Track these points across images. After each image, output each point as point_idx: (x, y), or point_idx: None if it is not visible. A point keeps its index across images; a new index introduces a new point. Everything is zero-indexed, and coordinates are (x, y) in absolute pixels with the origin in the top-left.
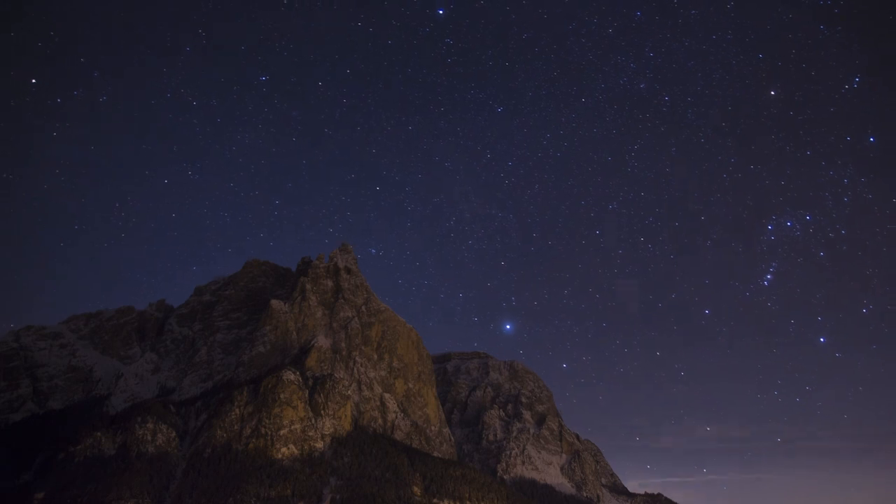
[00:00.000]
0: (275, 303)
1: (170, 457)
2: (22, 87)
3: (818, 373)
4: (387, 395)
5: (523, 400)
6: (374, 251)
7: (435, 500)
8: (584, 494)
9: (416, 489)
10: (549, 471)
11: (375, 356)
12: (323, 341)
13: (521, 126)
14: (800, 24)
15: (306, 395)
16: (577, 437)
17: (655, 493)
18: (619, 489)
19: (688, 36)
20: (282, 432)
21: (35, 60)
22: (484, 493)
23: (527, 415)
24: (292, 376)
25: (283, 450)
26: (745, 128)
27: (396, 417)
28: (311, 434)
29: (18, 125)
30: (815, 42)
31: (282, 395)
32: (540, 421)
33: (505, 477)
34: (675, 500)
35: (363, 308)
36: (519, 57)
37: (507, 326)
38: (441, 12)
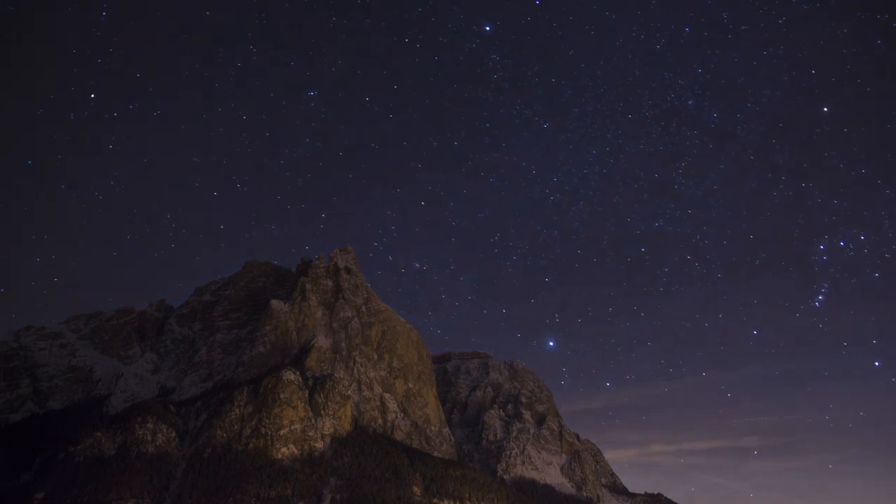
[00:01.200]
0: (275, 303)
1: (170, 457)
2: (81, 102)
3: (872, 398)
4: (387, 395)
5: (523, 400)
6: (417, 265)
7: (435, 500)
8: (584, 494)
9: (416, 489)
10: (549, 471)
11: (375, 356)
12: (323, 341)
13: (567, 142)
14: (855, 38)
15: (306, 395)
16: (577, 436)
17: (655, 493)
18: (619, 489)
19: (737, 51)
20: (282, 432)
21: (94, 76)
22: (484, 493)
23: (527, 415)
24: (292, 376)
25: (283, 450)
26: (797, 145)
27: (396, 417)
28: (311, 434)
29: (77, 138)
30: (871, 57)
31: (282, 395)
32: (540, 421)
33: (505, 477)
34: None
35: (363, 308)
36: (565, 73)
37: (551, 343)
38: (487, 28)
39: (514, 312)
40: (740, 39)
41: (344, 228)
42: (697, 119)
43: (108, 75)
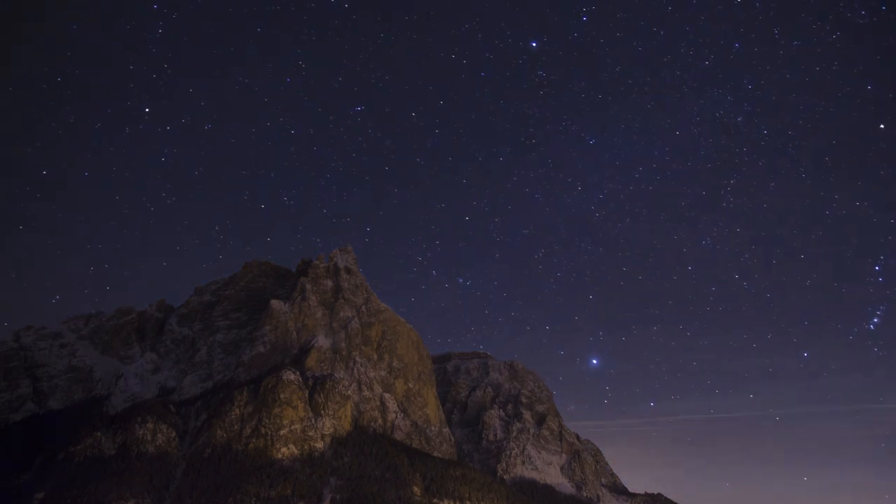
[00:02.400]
0: (275, 303)
1: (170, 457)
2: (136, 116)
3: None
4: (387, 395)
5: (523, 400)
6: (461, 280)
7: (435, 500)
8: (584, 494)
9: (416, 489)
10: (549, 471)
11: (375, 356)
12: (323, 341)
13: (613, 158)
14: None
15: (306, 395)
16: (577, 437)
17: (655, 493)
18: (619, 489)
19: (789, 67)
20: (282, 432)
21: (149, 92)
22: (484, 493)
23: (527, 415)
24: (292, 376)
25: (283, 450)
26: (851, 163)
27: (396, 417)
28: (311, 434)
29: (132, 150)
30: None
31: (282, 395)
32: (540, 421)
33: (505, 477)
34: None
35: (363, 308)
36: (612, 89)
37: (594, 361)
38: (534, 45)
39: (557, 330)
40: (792, 55)
41: (388, 242)
42: (747, 136)
43: (162, 91)
